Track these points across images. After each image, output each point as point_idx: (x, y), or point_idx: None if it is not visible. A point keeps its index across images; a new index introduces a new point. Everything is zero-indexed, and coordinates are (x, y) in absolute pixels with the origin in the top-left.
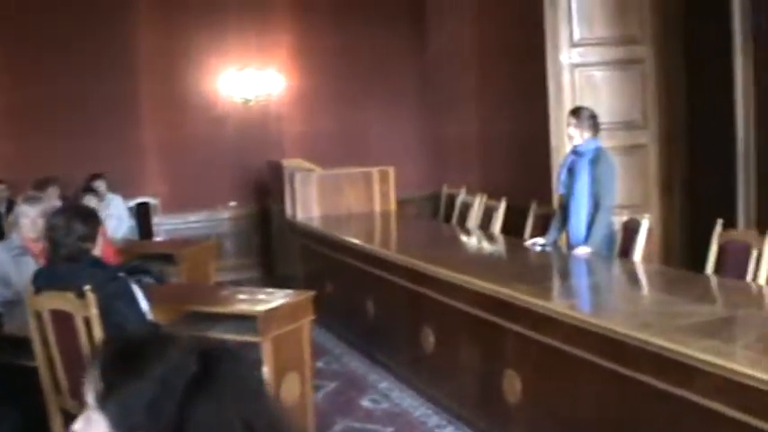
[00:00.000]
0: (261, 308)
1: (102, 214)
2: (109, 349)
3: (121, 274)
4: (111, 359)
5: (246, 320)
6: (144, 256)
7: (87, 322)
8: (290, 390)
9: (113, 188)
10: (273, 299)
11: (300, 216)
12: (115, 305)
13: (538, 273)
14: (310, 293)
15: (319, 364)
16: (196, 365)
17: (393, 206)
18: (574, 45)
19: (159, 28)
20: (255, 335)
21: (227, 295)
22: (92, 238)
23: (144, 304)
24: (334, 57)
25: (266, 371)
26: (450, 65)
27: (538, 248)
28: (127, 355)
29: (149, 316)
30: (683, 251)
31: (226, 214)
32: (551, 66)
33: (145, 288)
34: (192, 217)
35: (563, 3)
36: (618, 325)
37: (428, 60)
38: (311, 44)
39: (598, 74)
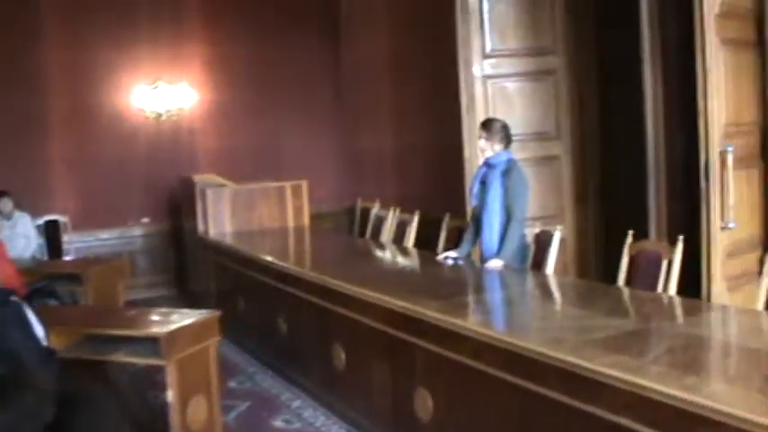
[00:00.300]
0: (164, 329)
1: (9, 233)
2: None
3: (14, 299)
4: None
5: (151, 342)
6: (51, 277)
7: None
8: (197, 413)
9: (21, 206)
10: (178, 319)
11: (213, 232)
12: (7, 332)
13: (449, 288)
14: (216, 313)
15: (231, 384)
16: (51, 413)
17: (307, 221)
18: (486, 56)
19: (68, 43)
20: (159, 357)
21: (132, 316)
22: None
23: (39, 329)
24: (248, 70)
25: (171, 394)
26: (364, 76)
27: (450, 262)
28: None
29: (45, 342)
30: (597, 262)
31: (138, 231)
32: (464, 77)
33: (47, 311)
34: (104, 234)
35: (475, 14)
36: (527, 341)
37: (343, 72)
38: (224, 57)
39: (511, 85)
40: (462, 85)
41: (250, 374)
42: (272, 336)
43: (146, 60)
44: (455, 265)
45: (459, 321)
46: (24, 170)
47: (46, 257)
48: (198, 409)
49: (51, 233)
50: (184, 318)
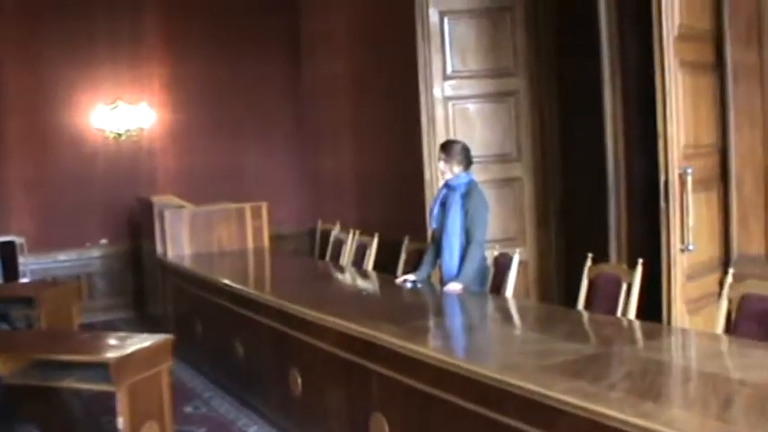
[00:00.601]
0: (114, 354)
1: None
2: None
3: None
4: None
5: (102, 368)
6: (4, 300)
7: None
8: None
9: None
10: (130, 344)
11: (171, 254)
12: None
13: (406, 312)
14: (169, 338)
15: (187, 409)
16: None
17: (267, 242)
18: (447, 78)
19: (25, 62)
20: (110, 383)
21: (83, 341)
22: None
23: None
24: (208, 90)
25: (121, 421)
26: (324, 97)
27: (409, 285)
28: None
29: None
30: (559, 285)
31: (96, 253)
32: (424, 99)
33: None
34: (62, 256)
35: (436, 35)
36: (483, 367)
37: (304, 93)
38: (184, 78)
39: (472, 106)
40: (423, 106)
41: (206, 399)
42: (230, 360)
43: (105, 80)
44: (414, 289)
45: (416, 347)
46: None
47: (1, 280)
48: None
49: (7, 255)
50: (136, 342)
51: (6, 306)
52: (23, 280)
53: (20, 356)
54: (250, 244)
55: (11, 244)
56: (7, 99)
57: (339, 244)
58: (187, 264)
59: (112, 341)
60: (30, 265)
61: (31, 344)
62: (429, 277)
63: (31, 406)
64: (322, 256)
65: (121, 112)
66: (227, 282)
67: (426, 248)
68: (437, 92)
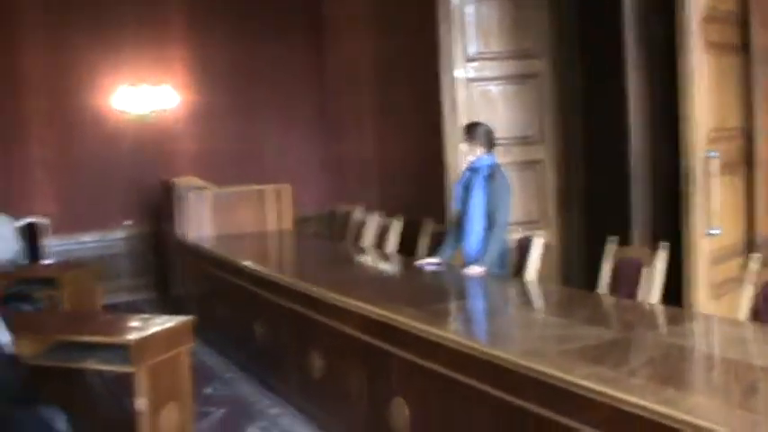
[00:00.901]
0: (134, 336)
1: None
2: None
3: None
4: None
5: (122, 349)
6: (28, 281)
7: None
8: (169, 421)
9: (1, 209)
10: (150, 326)
11: (193, 236)
12: None
13: (427, 295)
14: (190, 319)
15: (208, 390)
16: None
17: (288, 225)
18: (469, 60)
19: (50, 44)
20: (130, 365)
21: (104, 322)
22: None
23: (4, 336)
24: (231, 72)
25: (141, 402)
26: (348, 80)
27: (430, 268)
28: None
29: (10, 348)
30: (581, 268)
31: (120, 234)
32: (446, 81)
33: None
34: (85, 237)
35: (458, 17)
36: (504, 351)
37: (327, 76)
38: (207, 60)
39: (494, 88)
40: (444, 88)
41: (227, 380)
42: (251, 341)
43: (129, 62)
44: (435, 272)
45: (437, 330)
46: (5, 172)
47: (26, 261)
48: (170, 417)
49: (31, 236)
50: (157, 324)
51: (29, 287)
52: (46, 261)
53: (43, 338)
54: (271, 226)
55: (34, 225)
56: (31, 80)
57: (362, 226)
58: (209, 245)
59: (134, 323)
60: (54, 247)
61: (53, 325)
62: (450, 259)
63: (53, 386)
64: (343, 238)
65: (144, 94)
66: (247, 263)
67: (448, 231)
68: (459, 74)
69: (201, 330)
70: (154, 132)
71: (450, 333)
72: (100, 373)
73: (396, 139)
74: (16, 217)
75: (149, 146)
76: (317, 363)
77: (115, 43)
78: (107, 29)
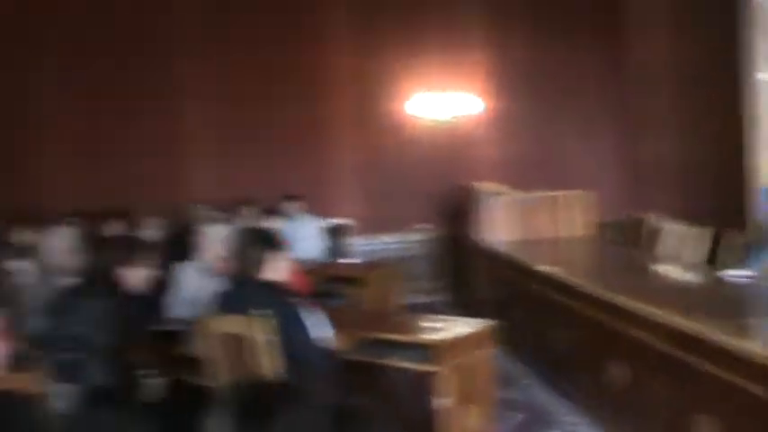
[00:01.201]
0: (439, 337)
1: (294, 236)
2: None
3: (294, 300)
4: None
5: (425, 349)
6: (332, 279)
7: (261, 346)
8: (469, 422)
9: (309, 210)
10: (453, 328)
11: (490, 240)
12: (293, 331)
13: (740, 307)
14: (492, 324)
15: (505, 395)
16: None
17: (586, 231)
18: None
19: (356, 49)
20: (432, 364)
21: (407, 323)
22: (272, 261)
23: (328, 330)
24: (528, 76)
25: (442, 402)
26: (646, 82)
27: (741, 280)
28: None
29: (332, 342)
30: None
31: (417, 236)
32: (747, 84)
33: (332, 312)
34: (386, 238)
35: (761, 19)
36: None
37: (625, 78)
38: (505, 64)
39: None
40: (745, 91)
41: (524, 386)
42: (548, 348)
43: (429, 68)
44: (748, 283)
45: (749, 345)
46: (314, 175)
47: (330, 259)
48: (471, 419)
49: (336, 236)
50: (460, 326)
51: (337, 285)
52: (351, 260)
53: (353, 334)
54: (568, 232)
55: (339, 226)
56: (338, 85)
57: (654, 234)
58: (506, 250)
59: (438, 324)
60: (359, 246)
61: (362, 323)
62: (764, 271)
63: (362, 380)
64: (636, 245)
65: (443, 100)
66: (545, 269)
67: (756, 239)
68: (761, 76)
69: (499, 334)
70: (451, 138)
71: (765, 349)
72: (404, 370)
73: (693, 143)
74: (324, 218)
75: (445, 151)
76: (615, 372)
77: (420, 49)
78: (413, 34)
